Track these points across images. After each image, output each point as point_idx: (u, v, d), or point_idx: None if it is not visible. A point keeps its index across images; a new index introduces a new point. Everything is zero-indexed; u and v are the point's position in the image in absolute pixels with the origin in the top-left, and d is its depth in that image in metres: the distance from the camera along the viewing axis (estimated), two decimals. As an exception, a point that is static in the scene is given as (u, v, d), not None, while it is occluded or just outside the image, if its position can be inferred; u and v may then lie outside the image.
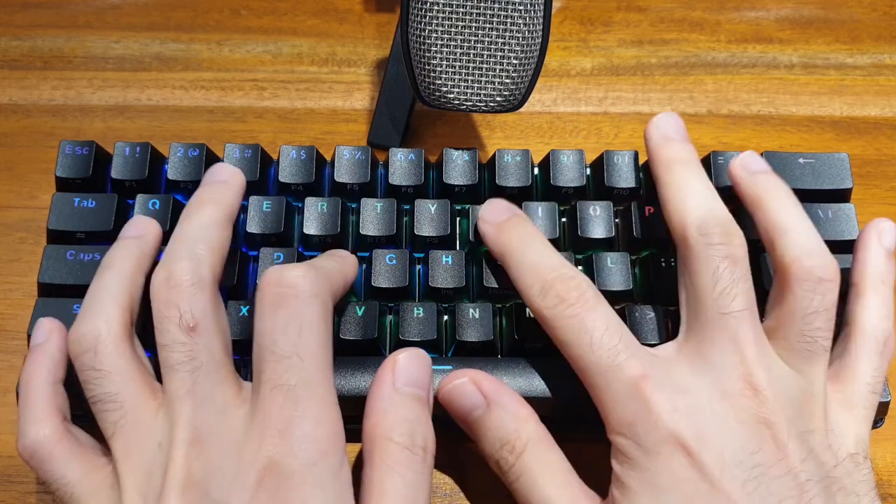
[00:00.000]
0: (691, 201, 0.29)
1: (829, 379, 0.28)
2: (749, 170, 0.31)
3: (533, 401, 0.30)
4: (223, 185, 0.31)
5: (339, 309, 0.32)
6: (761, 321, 0.28)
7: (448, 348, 0.32)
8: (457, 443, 0.33)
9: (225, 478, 0.23)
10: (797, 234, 0.28)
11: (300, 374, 0.24)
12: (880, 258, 0.30)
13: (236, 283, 0.32)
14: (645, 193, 0.36)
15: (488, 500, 0.32)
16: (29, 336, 0.31)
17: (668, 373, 0.26)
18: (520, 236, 0.30)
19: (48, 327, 0.29)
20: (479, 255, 0.33)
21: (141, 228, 0.30)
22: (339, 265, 0.29)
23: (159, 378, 0.26)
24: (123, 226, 0.31)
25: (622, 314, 0.32)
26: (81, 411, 0.28)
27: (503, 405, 0.27)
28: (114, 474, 0.25)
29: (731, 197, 0.31)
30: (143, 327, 0.28)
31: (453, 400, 0.28)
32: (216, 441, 0.24)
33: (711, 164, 0.35)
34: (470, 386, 0.28)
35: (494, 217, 0.31)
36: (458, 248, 0.35)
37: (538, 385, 0.31)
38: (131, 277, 0.28)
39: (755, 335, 0.27)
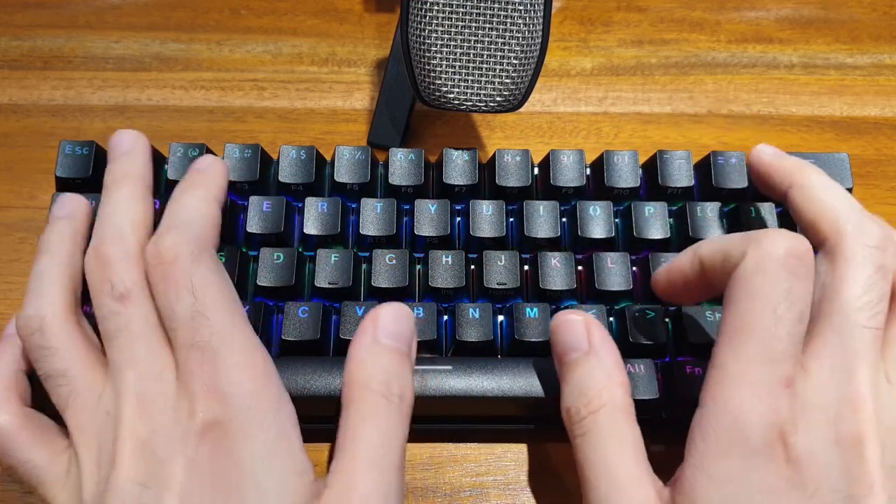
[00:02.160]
0: (843, 200, 0.28)
1: None
2: (776, 153, 0.32)
3: (533, 401, 0.30)
4: (129, 155, 0.31)
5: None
6: None
7: (448, 348, 0.32)
8: (459, 443, 0.33)
9: (168, 437, 0.24)
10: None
11: (208, 329, 0.25)
12: None
13: (236, 284, 0.32)
14: (645, 194, 0.36)
15: (488, 500, 0.32)
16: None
17: (802, 377, 0.25)
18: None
19: (13, 320, 0.29)
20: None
21: (69, 207, 0.31)
22: (204, 197, 0.29)
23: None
24: (50, 209, 0.32)
25: (622, 314, 0.32)
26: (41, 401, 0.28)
27: (601, 358, 0.26)
28: (73, 451, 0.26)
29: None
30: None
31: (559, 334, 0.27)
32: (156, 405, 0.25)
33: (711, 164, 0.35)
34: (580, 326, 0.27)
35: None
36: (458, 248, 0.35)
37: (538, 385, 0.31)
38: (68, 257, 0.29)
39: (876, 357, 0.25)
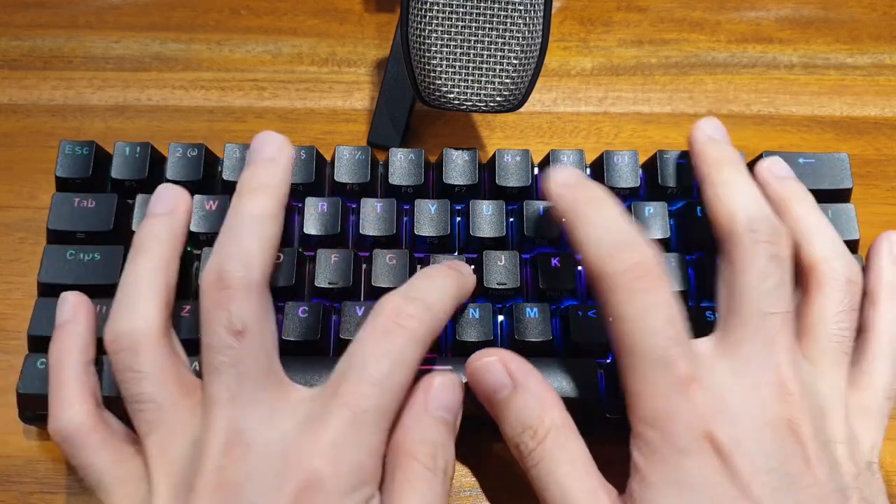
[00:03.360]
0: (741, 199, 0.29)
1: (846, 385, 0.28)
2: (776, 174, 0.32)
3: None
4: (272, 164, 0.29)
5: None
6: None
7: (448, 348, 0.32)
8: (459, 443, 0.33)
9: (263, 481, 0.23)
10: (825, 237, 0.29)
11: (374, 401, 0.24)
12: (894, 268, 0.31)
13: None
14: (645, 194, 0.36)
15: (488, 500, 0.32)
16: (29, 336, 0.31)
17: (712, 373, 0.26)
18: (594, 196, 0.28)
19: (73, 302, 0.29)
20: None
21: (170, 202, 0.30)
22: (456, 295, 0.29)
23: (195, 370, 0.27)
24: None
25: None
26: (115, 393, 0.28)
27: (529, 389, 0.27)
28: (143, 466, 0.26)
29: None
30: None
31: (479, 378, 0.27)
32: (257, 445, 0.24)
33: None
34: (498, 365, 0.27)
35: (566, 179, 0.29)
36: (458, 248, 0.35)
37: (538, 385, 0.31)
38: (166, 265, 0.28)
39: (791, 339, 0.27)
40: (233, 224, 0.27)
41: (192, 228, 0.32)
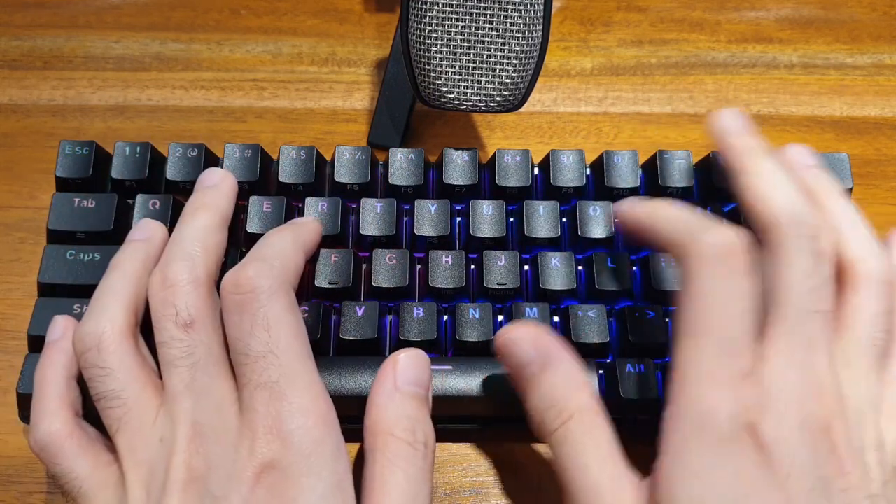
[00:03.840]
0: (783, 191, 0.28)
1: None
2: (805, 163, 0.31)
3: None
4: (214, 189, 0.32)
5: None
6: None
7: (448, 348, 0.32)
8: (459, 443, 0.33)
9: (223, 472, 0.24)
10: (860, 234, 0.28)
11: (278, 369, 0.25)
12: None
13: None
14: (645, 194, 0.36)
15: (488, 500, 0.32)
16: (29, 336, 0.31)
17: (760, 368, 0.25)
18: (669, 203, 0.29)
19: (64, 324, 0.30)
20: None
21: (147, 231, 0.31)
22: (293, 242, 0.29)
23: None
24: (130, 229, 0.32)
25: (621, 315, 0.32)
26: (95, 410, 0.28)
27: (560, 367, 0.26)
28: (120, 470, 0.26)
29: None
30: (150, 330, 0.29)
31: (510, 352, 0.27)
32: (214, 437, 0.24)
33: (712, 164, 0.35)
34: (529, 341, 0.27)
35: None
36: (458, 248, 0.35)
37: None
38: (136, 278, 0.29)
39: (831, 340, 0.26)
40: (176, 236, 0.29)
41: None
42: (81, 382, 0.28)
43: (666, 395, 0.25)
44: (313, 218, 0.32)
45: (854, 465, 0.24)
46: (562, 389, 0.26)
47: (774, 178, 0.28)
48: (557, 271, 0.33)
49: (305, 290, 0.33)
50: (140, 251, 0.30)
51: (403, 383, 0.26)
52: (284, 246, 0.29)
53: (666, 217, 0.28)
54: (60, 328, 0.29)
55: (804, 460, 0.24)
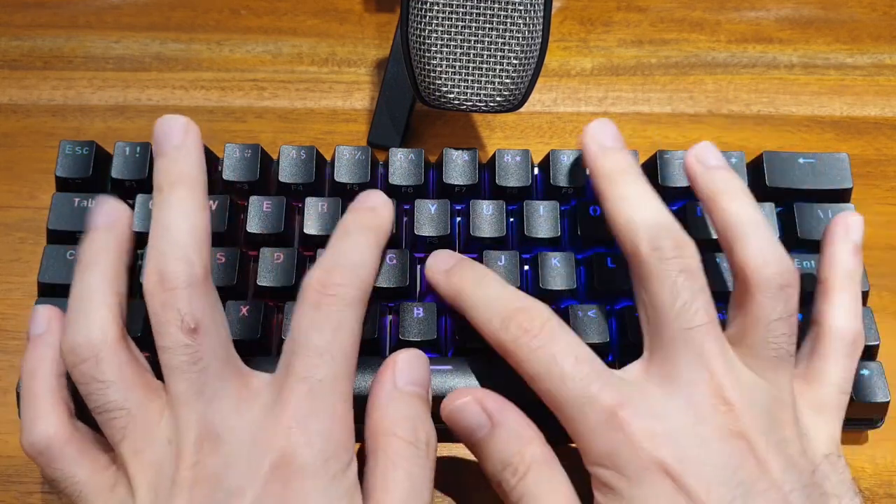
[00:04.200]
0: (638, 215, 0.27)
1: (797, 379, 0.28)
2: (705, 164, 0.30)
3: (532, 402, 0.30)
4: (182, 151, 0.28)
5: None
6: (723, 329, 0.27)
7: (448, 348, 0.32)
8: (457, 442, 0.33)
9: (239, 467, 0.23)
10: (756, 240, 0.27)
11: (328, 370, 0.25)
12: (848, 254, 0.30)
13: (236, 284, 0.32)
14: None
15: (488, 500, 0.32)
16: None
17: (642, 397, 0.25)
18: (472, 277, 0.29)
19: (46, 315, 0.28)
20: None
21: (111, 215, 0.29)
22: (377, 248, 0.29)
23: (156, 373, 0.27)
24: (89, 217, 0.30)
25: (621, 315, 0.32)
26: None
27: (507, 426, 0.27)
28: (121, 472, 0.26)
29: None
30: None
31: (457, 420, 0.27)
32: (228, 435, 0.24)
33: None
34: (474, 406, 0.27)
35: (442, 265, 0.30)
36: (457, 248, 0.35)
37: (538, 385, 0.31)
38: (115, 274, 0.28)
39: (720, 347, 0.26)
40: (162, 222, 0.27)
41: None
42: (70, 378, 0.27)
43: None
44: (383, 199, 0.30)
45: (774, 461, 0.24)
46: (514, 446, 0.26)
47: (630, 201, 0.28)
48: (557, 271, 0.33)
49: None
50: (109, 240, 0.28)
51: (404, 383, 0.26)
52: (370, 254, 0.28)
53: (468, 306, 0.29)
54: (44, 321, 0.28)
55: (718, 472, 0.24)
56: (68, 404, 0.27)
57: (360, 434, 0.26)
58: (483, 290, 0.28)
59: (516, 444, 0.26)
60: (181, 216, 0.27)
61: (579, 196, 0.35)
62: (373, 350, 0.32)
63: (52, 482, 0.26)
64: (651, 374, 0.26)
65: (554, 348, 0.26)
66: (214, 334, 0.26)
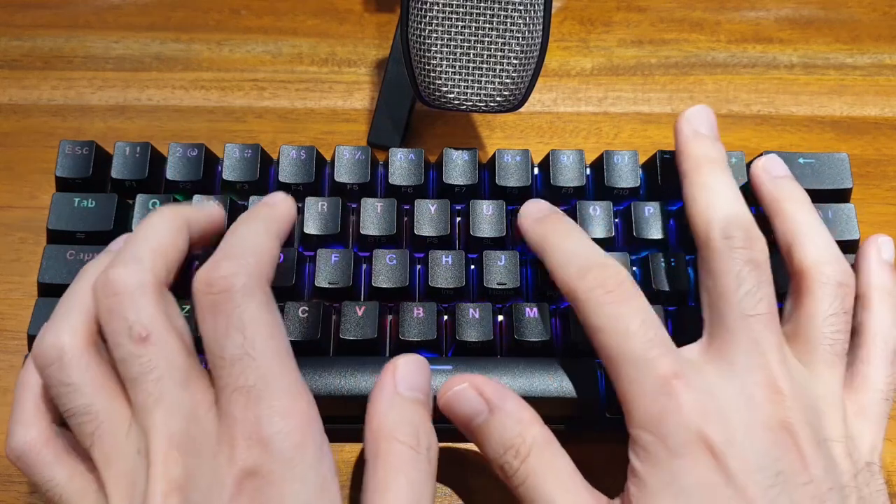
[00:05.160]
0: (717, 203, 0.29)
1: (843, 386, 0.28)
2: (771, 174, 0.32)
3: (533, 401, 0.30)
4: (189, 204, 0.29)
5: (339, 307, 0.32)
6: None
7: (448, 348, 0.32)
8: (460, 443, 0.33)
9: (204, 482, 0.23)
10: (817, 240, 0.29)
11: (255, 371, 0.24)
12: (883, 270, 0.31)
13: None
14: (645, 194, 0.36)
15: (488, 500, 0.32)
16: (29, 336, 0.31)
17: (698, 374, 0.26)
18: (561, 228, 0.30)
19: None
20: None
21: (120, 242, 0.29)
22: (266, 234, 0.28)
23: None
24: (130, 230, 0.30)
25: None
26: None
27: (506, 409, 0.27)
28: (100, 480, 0.25)
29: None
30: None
31: (454, 407, 0.27)
32: (191, 447, 0.24)
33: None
34: (471, 391, 0.27)
35: (535, 213, 0.31)
36: (457, 248, 0.35)
37: (538, 385, 0.31)
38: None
39: (777, 339, 0.27)
40: (128, 239, 0.27)
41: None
42: None
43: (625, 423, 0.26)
44: (285, 196, 0.29)
45: (816, 458, 0.25)
46: (513, 429, 0.26)
47: (713, 190, 0.29)
48: (557, 271, 0.33)
49: (305, 290, 0.33)
50: (107, 259, 0.28)
51: (404, 388, 0.26)
52: (257, 238, 0.27)
53: (551, 253, 0.29)
54: None
55: (760, 457, 0.24)
56: (53, 413, 0.27)
57: (359, 435, 0.26)
58: (568, 242, 0.29)
59: (516, 427, 0.26)
60: (149, 232, 0.27)
61: (579, 196, 0.35)
62: (373, 350, 0.32)
63: (36, 487, 0.27)
64: (709, 356, 0.27)
65: (624, 307, 0.26)
66: (168, 342, 0.25)
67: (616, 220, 0.35)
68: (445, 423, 0.31)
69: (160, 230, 0.27)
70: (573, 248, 0.29)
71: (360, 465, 0.25)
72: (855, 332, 0.29)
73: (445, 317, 0.33)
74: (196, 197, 0.33)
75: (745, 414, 0.25)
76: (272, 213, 0.29)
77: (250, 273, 0.25)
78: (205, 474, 0.23)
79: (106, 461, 0.25)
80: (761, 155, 0.35)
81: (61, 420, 0.27)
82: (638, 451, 0.25)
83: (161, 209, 0.28)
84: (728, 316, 0.27)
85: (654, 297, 0.33)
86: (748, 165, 0.36)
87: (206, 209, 0.30)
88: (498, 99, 0.33)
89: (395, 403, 0.26)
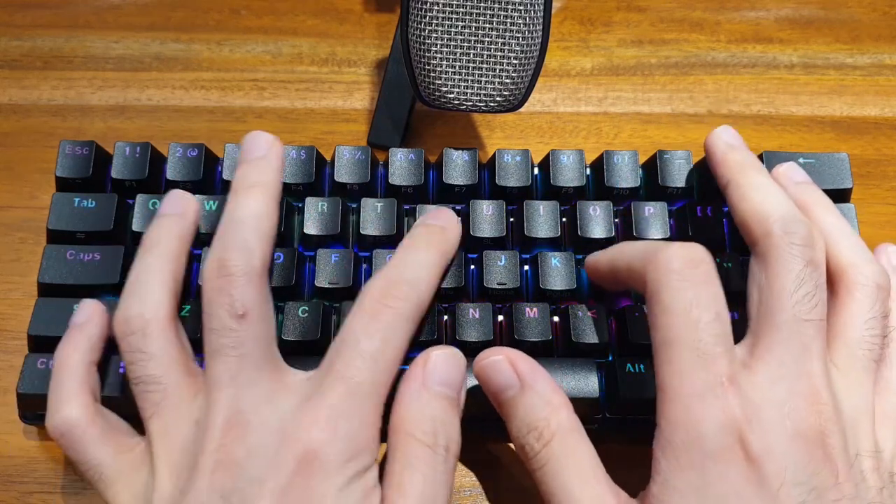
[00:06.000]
0: (772, 200, 0.28)
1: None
2: (793, 180, 0.32)
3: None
4: (265, 161, 0.30)
5: (339, 305, 0.32)
6: None
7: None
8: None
9: (263, 458, 0.24)
10: (853, 243, 0.29)
11: (369, 375, 0.25)
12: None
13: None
14: (645, 194, 0.36)
15: (489, 500, 0.32)
16: (29, 336, 0.31)
17: (748, 378, 0.25)
18: (629, 245, 0.30)
19: (91, 309, 0.29)
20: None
21: (181, 205, 0.30)
22: (437, 265, 0.29)
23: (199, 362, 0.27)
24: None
25: (621, 315, 0.32)
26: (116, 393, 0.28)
27: (537, 389, 0.26)
28: (145, 454, 0.26)
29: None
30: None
31: (487, 376, 0.27)
32: (256, 424, 0.24)
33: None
34: (505, 364, 0.27)
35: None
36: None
37: (538, 385, 0.31)
38: (176, 258, 0.29)
39: (824, 348, 0.26)
40: (231, 220, 0.28)
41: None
42: (101, 369, 0.29)
43: (656, 418, 0.25)
44: (456, 227, 0.30)
45: (849, 473, 0.24)
46: (541, 410, 0.26)
47: (765, 189, 0.29)
48: (557, 271, 0.33)
49: (305, 290, 0.33)
50: (175, 227, 0.29)
51: (432, 383, 0.26)
52: (434, 274, 0.28)
53: (620, 253, 0.29)
54: (87, 312, 0.29)
55: (796, 471, 0.23)
56: (94, 391, 0.28)
57: (384, 434, 0.26)
58: (639, 246, 0.29)
59: (544, 409, 0.26)
60: (249, 214, 0.28)
61: (579, 196, 0.35)
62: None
63: (75, 464, 0.27)
64: (756, 357, 0.26)
65: (703, 291, 0.25)
66: (260, 325, 0.26)
67: (616, 220, 0.35)
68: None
69: (262, 213, 0.28)
70: (645, 245, 0.28)
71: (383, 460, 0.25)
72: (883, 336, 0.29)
73: (445, 317, 0.33)
74: (198, 197, 0.33)
75: (787, 423, 0.24)
76: (447, 245, 0.30)
77: (417, 305, 0.27)
78: (267, 450, 0.24)
79: (163, 432, 0.26)
80: (761, 156, 0.36)
81: (100, 397, 0.28)
82: (666, 448, 0.24)
83: (251, 179, 0.29)
84: (779, 315, 0.26)
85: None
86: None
87: (281, 163, 0.31)
88: (498, 99, 0.33)
89: (419, 397, 0.26)
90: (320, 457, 0.23)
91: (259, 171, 0.29)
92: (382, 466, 0.25)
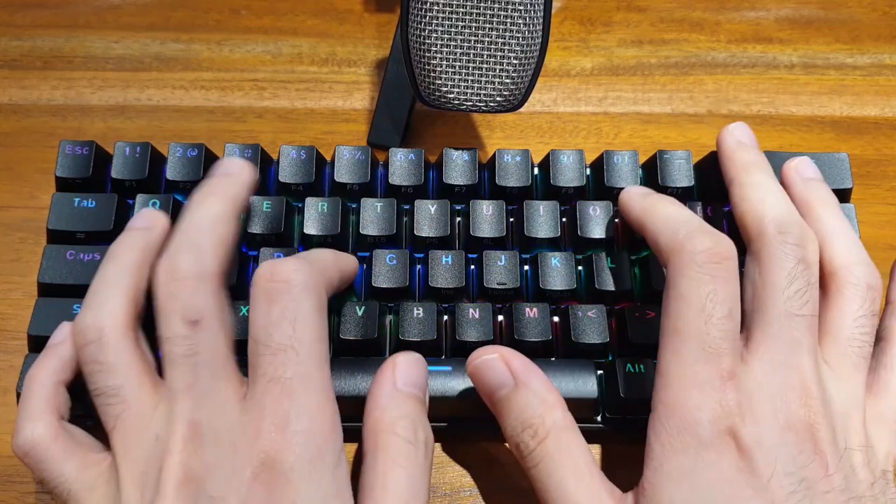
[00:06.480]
0: (769, 199, 0.29)
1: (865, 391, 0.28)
2: (802, 175, 0.32)
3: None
4: (229, 177, 0.29)
5: (338, 307, 0.32)
6: None
7: (448, 348, 0.32)
8: (459, 443, 0.33)
9: (221, 473, 0.23)
10: (848, 242, 0.29)
11: (296, 367, 0.24)
12: None
13: (236, 283, 0.32)
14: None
15: (488, 500, 0.32)
16: (29, 336, 0.31)
17: (746, 374, 0.26)
18: (669, 200, 0.31)
19: (67, 330, 0.29)
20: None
21: (148, 220, 0.30)
22: (335, 259, 0.29)
23: (160, 371, 0.26)
24: (128, 222, 0.31)
25: (621, 315, 0.32)
26: (82, 411, 0.28)
27: (531, 387, 0.27)
28: (111, 469, 0.26)
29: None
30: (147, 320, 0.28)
31: (481, 375, 0.27)
32: (213, 436, 0.24)
33: (711, 164, 0.35)
34: (499, 363, 0.27)
35: (641, 191, 0.32)
36: (458, 248, 0.35)
37: (538, 385, 0.31)
38: (137, 269, 0.28)
39: (815, 343, 0.27)
40: (186, 224, 0.27)
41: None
42: (72, 388, 0.28)
43: (651, 401, 0.26)
44: (353, 258, 0.31)
45: (838, 466, 0.24)
46: (536, 408, 0.26)
47: (764, 189, 0.30)
48: (557, 271, 0.33)
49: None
50: (140, 240, 0.29)
51: (403, 384, 0.26)
52: (330, 260, 0.29)
53: (652, 217, 0.29)
54: (63, 333, 0.28)
55: (786, 463, 0.24)
56: (61, 410, 0.27)
57: (359, 434, 0.26)
58: (679, 211, 0.29)
59: (538, 407, 0.26)
60: (204, 217, 0.27)
61: (579, 196, 0.35)
62: (373, 350, 0.32)
63: (42, 483, 0.26)
64: (750, 352, 0.26)
65: (721, 287, 0.26)
66: (216, 331, 0.25)
67: (616, 221, 0.35)
68: (446, 424, 0.32)
69: (218, 217, 0.27)
70: (683, 215, 0.29)
71: (356, 461, 0.25)
72: (879, 338, 0.29)
73: (445, 317, 0.33)
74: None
75: (779, 417, 0.25)
76: (342, 261, 0.30)
77: (313, 275, 0.26)
78: (223, 465, 0.23)
79: (124, 446, 0.25)
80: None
81: (69, 416, 0.28)
82: (660, 433, 0.25)
83: (211, 189, 0.29)
84: (772, 311, 0.26)
85: (654, 297, 0.33)
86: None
87: (248, 184, 0.30)
88: (498, 99, 0.33)
89: (394, 398, 0.26)
90: (278, 465, 0.23)
91: (221, 184, 0.29)
92: (357, 470, 0.25)
